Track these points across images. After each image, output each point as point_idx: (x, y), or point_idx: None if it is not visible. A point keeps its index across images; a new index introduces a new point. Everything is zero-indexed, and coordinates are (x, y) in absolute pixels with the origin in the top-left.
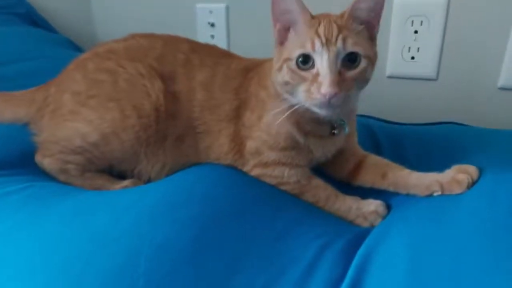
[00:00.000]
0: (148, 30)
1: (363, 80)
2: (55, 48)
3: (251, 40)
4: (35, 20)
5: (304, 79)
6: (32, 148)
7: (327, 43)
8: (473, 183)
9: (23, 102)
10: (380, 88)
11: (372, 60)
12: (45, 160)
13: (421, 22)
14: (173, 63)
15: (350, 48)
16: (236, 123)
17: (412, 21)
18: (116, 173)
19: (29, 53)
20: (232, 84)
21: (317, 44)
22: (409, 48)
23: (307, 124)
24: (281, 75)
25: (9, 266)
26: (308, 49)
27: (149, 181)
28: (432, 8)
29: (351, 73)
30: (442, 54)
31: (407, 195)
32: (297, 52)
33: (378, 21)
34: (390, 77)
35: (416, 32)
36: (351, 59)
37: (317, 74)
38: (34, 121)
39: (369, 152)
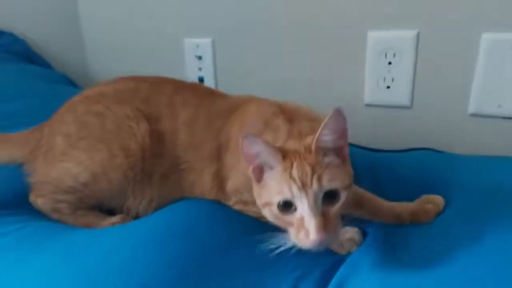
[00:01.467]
0: (139, 63)
1: (346, 206)
2: (50, 85)
3: (237, 71)
4: (30, 57)
5: (290, 224)
6: (27, 189)
7: (303, 186)
8: (439, 212)
9: (18, 143)
10: (358, 116)
11: (349, 184)
12: (38, 200)
13: (394, 54)
14: (158, 104)
15: (327, 186)
16: (217, 163)
17: (386, 53)
18: (106, 209)
19: (25, 90)
20: (214, 125)
21: (294, 189)
22: (384, 78)
23: None
24: (266, 214)
25: None
26: (287, 195)
27: (137, 216)
28: (403, 42)
29: (334, 209)
30: (414, 83)
31: (381, 223)
32: (276, 198)
33: (346, 143)
34: (368, 105)
35: (390, 63)
36: (330, 195)
37: (302, 219)
38: (28, 162)
39: None
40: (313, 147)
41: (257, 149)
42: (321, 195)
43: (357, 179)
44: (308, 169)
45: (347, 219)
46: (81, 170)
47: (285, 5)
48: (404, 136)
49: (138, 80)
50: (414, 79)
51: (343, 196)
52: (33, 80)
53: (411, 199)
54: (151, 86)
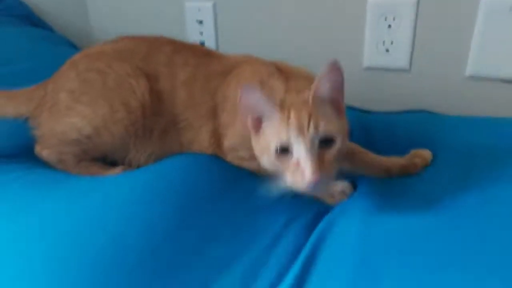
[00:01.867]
0: (140, 27)
1: (341, 154)
2: (53, 47)
3: (238, 35)
4: (33, 21)
5: (286, 167)
6: (32, 142)
7: (300, 132)
8: (426, 165)
9: (24, 99)
10: (358, 79)
11: (344, 133)
12: (43, 152)
13: (394, 17)
14: (157, 63)
15: (323, 132)
16: (214, 121)
17: (386, 17)
18: (109, 161)
19: (28, 52)
20: (211, 85)
21: (292, 134)
22: (384, 41)
23: None
24: (263, 161)
25: (9, 244)
26: (284, 140)
27: (138, 167)
28: (403, 5)
29: (329, 154)
30: (414, 46)
31: (371, 177)
32: (274, 144)
33: (342, 96)
34: (367, 68)
35: (389, 26)
36: (326, 141)
37: (298, 162)
38: (34, 117)
39: None
40: (310, 97)
41: (256, 99)
42: (317, 140)
43: (352, 139)
44: (305, 116)
45: (338, 173)
46: (85, 123)
47: None
48: (402, 99)
49: (138, 39)
50: (413, 42)
51: (338, 143)
52: (36, 42)
53: (397, 154)
54: (151, 45)
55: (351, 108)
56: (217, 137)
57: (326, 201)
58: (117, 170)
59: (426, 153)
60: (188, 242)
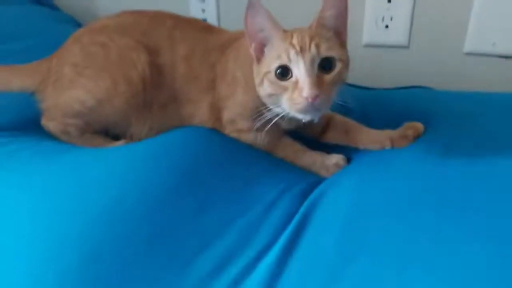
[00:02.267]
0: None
1: (340, 82)
2: (57, 25)
3: (240, 12)
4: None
5: (285, 89)
6: (38, 114)
7: (301, 51)
8: (418, 137)
9: (29, 73)
10: (357, 56)
11: (346, 63)
12: (49, 124)
13: None
14: (158, 38)
15: (324, 53)
16: (213, 94)
17: None
18: (112, 135)
19: (33, 30)
20: (210, 58)
21: (292, 53)
22: (383, 17)
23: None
24: (263, 88)
25: (18, 205)
26: (284, 60)
27: (140, 140)
28: None
29: (329, 77)
30: (413, 23)
31: (365, 149)
32: (274, 64)
33: (345, 28)
34: (366, 45)
35: (389, 1)
36: (326, 64)
37: (297, 82)
38: (39, 90)
39: (336, 113)
40: (315, 23)
41: (259, 24)
42: (317, 61)
43: (347, 113)
44: (307, 38)
45: (333, 146)
46: (88, 96)
47: None
48: (401, 76)
49: (140, 14)
50: (412, 18)
51: (338, 66)
52: (41, 20)
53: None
54: (152, 20)
55: (348, 85)
56: (216, 110)
57: (320, 174)
58: (120, 142)
59: (418, 125)
60: (185, 208)
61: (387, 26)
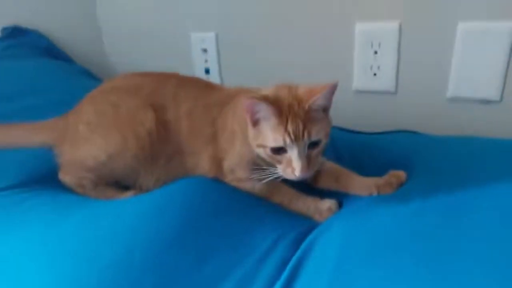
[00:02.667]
0: (152, 55)
1: (323, 150)
2: (73, 78)
3: (238, 62)
4: (54, 53)
5: (279, 161)
6: (56, 168)
7: (295, 139)
8: (401, 185)
9: (49, 130)
10: (348, 101)
11: (329, 131)
12: (66, 177)
13: (379, 44)
14: (163, 97)
15: (314, 138)
16: (214, 147)
17: (372, 43)
18: (123, 186)
19: (49, 83)
20: (210, 114)
21: (288, 140)
22: (371, 66)
23: None
24: (259, 152)
25: (37, 260)
26: (280, 144)
27: (147, 191)
28: (387, 32)
29: (315, 152)
30: (398, 71)
31: (354, 195)
32: (271, 144)
33: (331, 103)
34: (356, 91)
35: (376, 52)
36: (314, 143)
37: (290, 160)
38: (57, 145)
39: (328, 160)
40: (307, 107)
41: (259, 108)
42: (307, 145)
43: (338, 157)
44: (300, 125)
45: (326, 192)
46: (100, 152)
47: (280, 3)
48: (389, 119)
49: (146, 75)
50: (398, 66)
51: (323, 142)
52: (56, 74)
53: (382, 174)
54: (158, 80)
55: (339, 129)
56: (217, 161)
57: (314, 218)
58: (129, 193)
59: (401, 174)
60: (186, 257)
61: (375, 74)
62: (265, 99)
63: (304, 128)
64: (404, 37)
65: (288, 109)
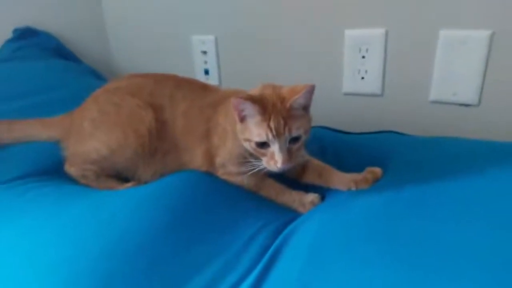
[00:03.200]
0: (156, 57)
1: (303, 145)
2: (80, 77)
3: (236, 63)
4: (63, 53)
5: (263, 154)
6: (62, 160)
7: (277, 135)
8: (377, 180)
9: (55, 126)
10: (337, 103)
11: (309, 128)
12: (71, 169)
13: (367, 49)
14: (162, 97)
15: (294, 133)
16: (207, 144)
17: (360, 49)
18: (123, 178)
19: (57, 82)
20: (205, 113)
21: (270, 136)
22: (359, 70)
23: None
24: (246, 146)
25: (48, 241)
26: (264, 138)
27: (145, 183)
28: (374, 39)
29: (295, 147)
30: (385, 74)
31: (335, 189)
32: (256, 139)
33: (310, 102)
34: (345, 94)
35: (363, 57)
36: (295, 139)
37: (273, 153)
38: (63, 140)
39: (314, 157)
40: (288, 105)
41: (244, 106)
42: (288, 140)
43: (324, 155)
44: (282, 121)
45: (310, 186)
46: (102, 146)
47: (276, 9)
48: (376, 119)
49: (147, 76)
50: (384, 70)
51: (303, 138)
52: (64, 73)
53: (362, 170)
54: (157, 81)
55: (327, 128)
56: (209, 156)
57: (298, 210)
58: (128, 185)
59: (377, 170)
60: (178, 241)
61: (363, 78)
62: (250, 98)
63: (285, 124)
64: (390, 43)
65: (271, 107)
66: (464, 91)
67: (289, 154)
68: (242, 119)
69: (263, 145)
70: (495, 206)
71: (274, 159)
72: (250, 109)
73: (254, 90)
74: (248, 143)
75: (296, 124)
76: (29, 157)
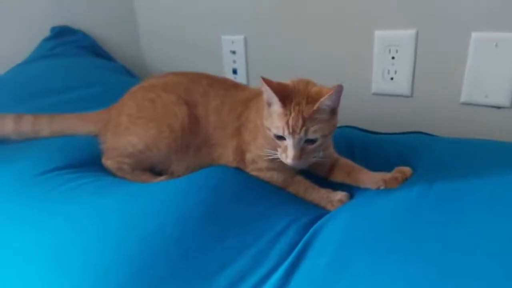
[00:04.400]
0: (186, 56)
1: (321, 146)
2: (114, 75)
3: (265, 63)
4: (97, 51)
5: (279, 145)
6: (99, 153)
7: (293, 133)
8: (406, 180)
9: (94, 120)
10: (366, 103)
11: (329, 133)
12: (108, 162)
13: (397, 50)
14: (195, 94)
15: (310, 136)
16: (238, 140)
17: (390, 50)
18: (157, 172)
19: (94, 80)
20: (236, 110)
21: (286, 132)
22: (388, 70)
23: None
24: (267, 132)
25: (86, 229)
26: (280, 133)
27: (178, 177)
28: (405, 39)
29: (310, 147)
30: (414, 75)
31: (364, 188)
32: (274, 131)
33: (338, 104)
34: (374, 94)
35: (393, 58)
36: (310, 140)
37: (286, 147)
38: (101, 134)
39: (342, 156)
40: (315, 107)
41: (269, 94)
42: (303, 140)
43: (352, 154)
44: (301, 121)
45: (338, 185)
46: (138, 141)
47: (308, 10)
48: (404, 121)
49: (181, 75)
50: (414, 72)
51: (319, 142)
52: (100, 71)
53: (391, 170)
54: (191, 79)
55: (357, 129)
56: (240, 152)
57: (327, 208)
58: (162, 178)
59: (407, 170)
60: (209, 234)
61: (392, 78)
62: (272, 84)
63: (303, 125)
64: (420, 44)
65: (295, 103)
66: (495, 93)
67: (301, 152)
68: (269, 105)
69: (280, 137)
70: None
71: (286, 153)
72: (271, 96)
73: (288, 81)
74: (269, 131)
75: (314, 127)
76: (68, 149)
